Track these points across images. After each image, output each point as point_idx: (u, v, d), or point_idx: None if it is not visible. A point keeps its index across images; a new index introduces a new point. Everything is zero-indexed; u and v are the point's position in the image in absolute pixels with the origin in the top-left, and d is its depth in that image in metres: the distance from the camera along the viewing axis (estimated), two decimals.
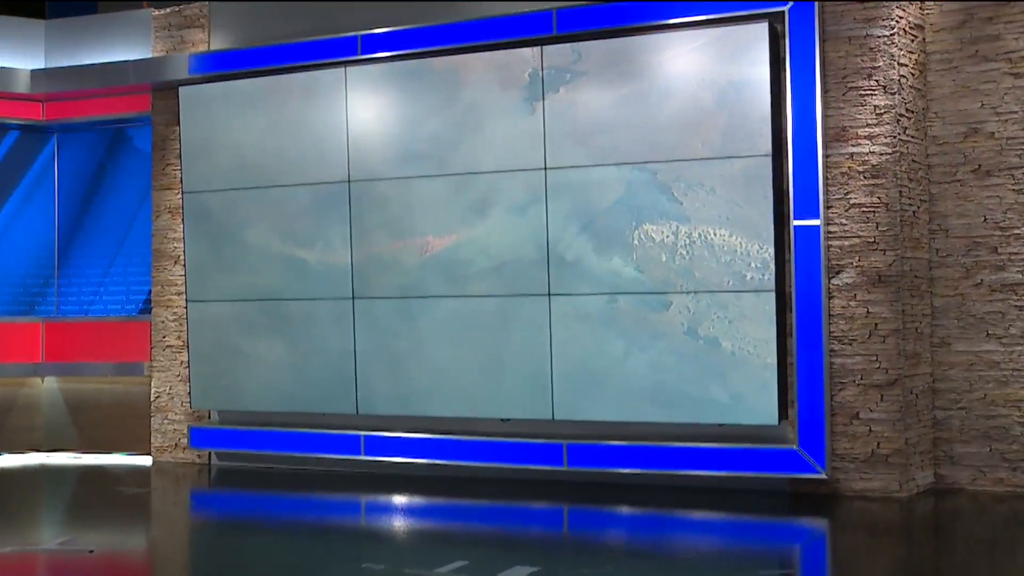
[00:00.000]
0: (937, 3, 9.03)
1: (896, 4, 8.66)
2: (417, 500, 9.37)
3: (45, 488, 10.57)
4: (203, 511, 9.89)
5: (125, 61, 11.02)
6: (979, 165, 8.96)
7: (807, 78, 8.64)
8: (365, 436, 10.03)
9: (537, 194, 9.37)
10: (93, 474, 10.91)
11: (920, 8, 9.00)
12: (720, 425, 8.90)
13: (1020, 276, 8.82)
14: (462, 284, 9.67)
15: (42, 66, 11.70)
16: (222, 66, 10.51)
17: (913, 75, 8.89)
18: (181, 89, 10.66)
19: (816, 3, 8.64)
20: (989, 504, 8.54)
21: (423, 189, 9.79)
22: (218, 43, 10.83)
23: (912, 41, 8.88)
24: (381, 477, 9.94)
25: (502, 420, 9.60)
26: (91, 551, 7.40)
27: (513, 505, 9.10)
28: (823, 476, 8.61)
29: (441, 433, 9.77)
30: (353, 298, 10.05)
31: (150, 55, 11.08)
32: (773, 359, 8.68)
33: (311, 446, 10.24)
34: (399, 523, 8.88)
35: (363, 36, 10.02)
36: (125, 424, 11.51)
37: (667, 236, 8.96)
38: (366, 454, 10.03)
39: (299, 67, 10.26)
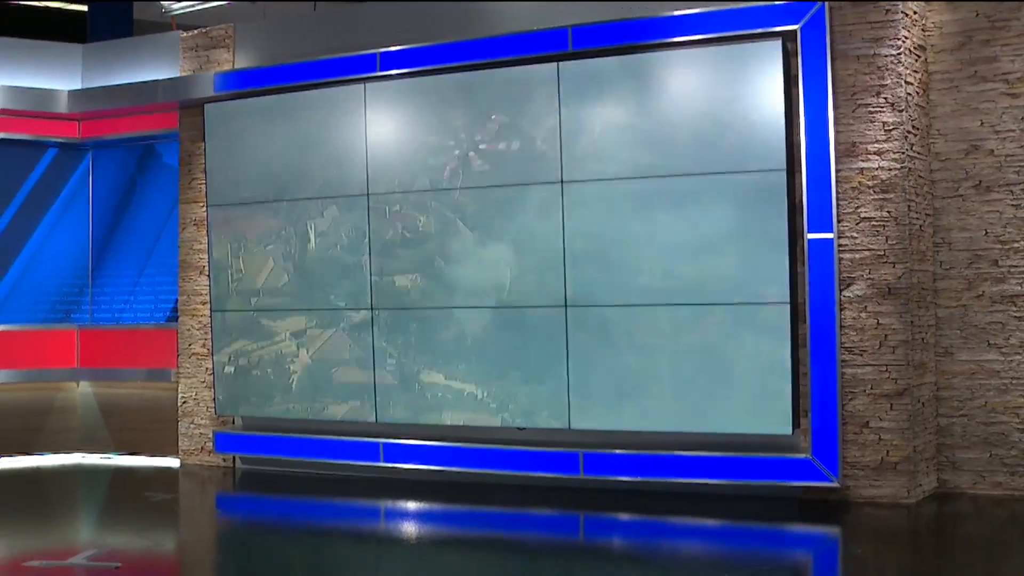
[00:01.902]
0: (937, 26, 7.98)
1: (902, 25, 7.60)
2: (435, 506, 8.27)
3: (79, 488, 9.45)
4: (229, 514, 8.79)
5: (155, 80, 9.87)
6: (980, 181, 7.89)
7: (820, 95, 7.53)
8: (384, 443, 8.86)
9: (554, 207, 8.25)
10: (124, 475, 9.78)
11: (922, 30, 7.94)
12: (734, 434, 7.80)
13: (1019, 288, 7.76)
14: (479, 296, 8.53)
15: (79, 87, 10.56)
16: (246, 84, 9.34)
17: (918, 93, 7.82)
18: (206, 106, 9.51)
19: (827, 22, 7.56)
20: (989, 507, 7.56)
21: (440, 202, 8.67)
22: (242, 62, 9.69)
23: (916, 60, 7.81)
24: (399, 483, 8.79)
25: (519, 428, 8.46)
26: (117, 566, 6.31)
27: (530, 512, 8.00)
28: (835, 484, 7.53)
29: (458, 441, 8.61)
30: (372, 309, 8.92)
31: (178, 74, 9.94)
32: (788, 370, 7.58)
33: (331, 452, 9.06)
34: (418, 529, 7.81)
35: (382, 53, 8.84)
36: (154, 428, 10.36)
37: (683, 249, 7.88)
38: (385, 461, 8.87)
39: (320, 84, 9.08)
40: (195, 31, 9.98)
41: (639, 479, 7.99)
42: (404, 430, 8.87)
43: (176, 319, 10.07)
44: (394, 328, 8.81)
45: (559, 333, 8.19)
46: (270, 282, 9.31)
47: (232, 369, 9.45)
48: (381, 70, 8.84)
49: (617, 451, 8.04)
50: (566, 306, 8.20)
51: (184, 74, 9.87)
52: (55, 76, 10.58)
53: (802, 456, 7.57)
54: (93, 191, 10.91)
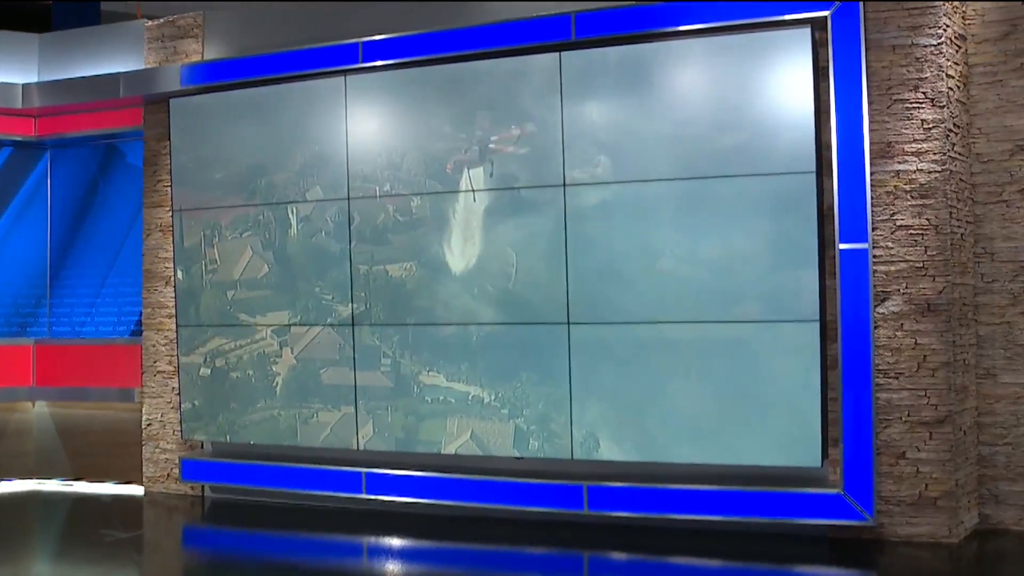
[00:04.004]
0: (979, 14, 7.31)
1: (943, 12, 6.92)
2: (422, 543, 7.55)
3: (32, 519, 8.67)
4: (194, 550, 8.06)
5: (116, 73, 9.10)
6: None
7: (852, 89, 6.84)
8: (367, 473, 8.12)
9: (556, 212, 7.54)
10: (83, 504, 9.01)
11: (962, 18, 7.27)
12: (755, 466, 7.10)
13: None
14: (472, 311, 7.82)
15: (35, 80, 9.81)
16: (215, 77, 8.60)
17: (959, 88, 7.15)
18: (171, 101, 8.77)
19: (860, 9, 6.89)
20: None
21: (428, 207, 7.96)
22: (212, 53, 8.93)
23: (957, 52, 7.14)
24: (384, 516, 8.04)
25: (516, 458, 7.74)
26: None
27: (527, 551, 7.29)
28: (870, 523, 6.84)
29: (449, 471, 7.88)
30: (353, 325, 8.20)
31: (143, 67, 9.19)
32: (817, 395, 6.89)
33: (309, 482, 8.31)
34: (404, 569, 7.10)
35: (364, 43, 8.11)
36: (117, 452, 9.60)
37: (700, 260, 7.18)
38: (368, 492, 8.13)
39: (296, 76, 8.33)
40: (161, 20, 9.23)
41: (649, 515, 7.27)
42: (389, 458, 8.14)
43: (141, 333, 9.32)
44: (376, 345, 8.07)
45: (561, 354, 7.49)
46: (248, 274, 8.58)
47: (208, 371, 8.70)
48: (364, 61, 8.11)
49: (624, 484, 7.33)
50: (568, 323, 7.51)
51: (149, 66, 9.14)
52: (9, 69, 9.83)
53: (832, 491, 6.87)
54: (51, 193, 10.16)
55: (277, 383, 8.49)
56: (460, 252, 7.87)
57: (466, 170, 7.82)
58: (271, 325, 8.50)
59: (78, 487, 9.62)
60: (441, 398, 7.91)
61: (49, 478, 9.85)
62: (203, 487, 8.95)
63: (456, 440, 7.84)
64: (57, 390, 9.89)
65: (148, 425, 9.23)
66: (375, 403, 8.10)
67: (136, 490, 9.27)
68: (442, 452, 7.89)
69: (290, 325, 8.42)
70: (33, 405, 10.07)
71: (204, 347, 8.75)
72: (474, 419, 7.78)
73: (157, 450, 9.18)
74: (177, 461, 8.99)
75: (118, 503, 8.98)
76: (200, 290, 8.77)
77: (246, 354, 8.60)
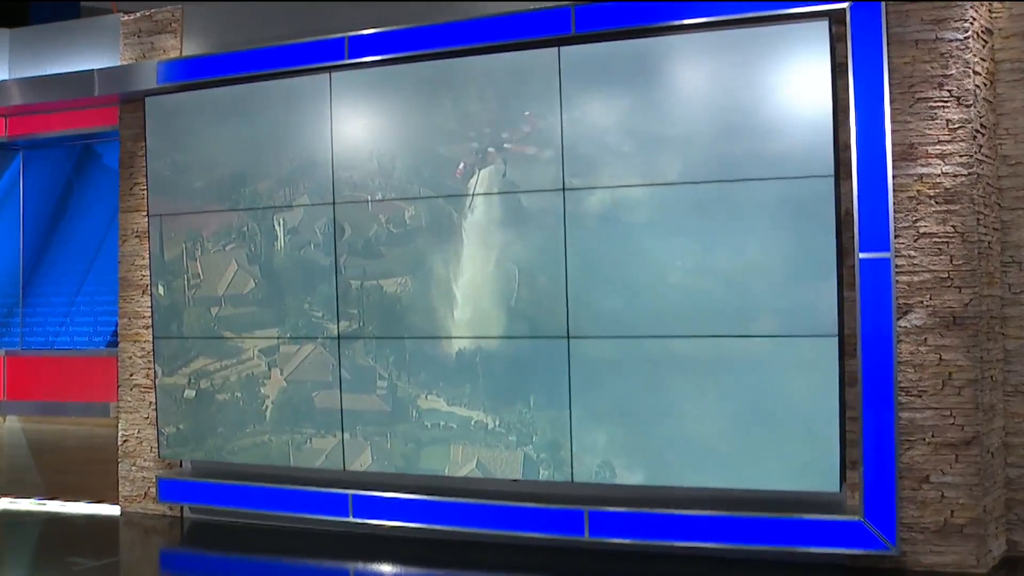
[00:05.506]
0: (1006, 7, 6.91)
1: (969, 5, 6.53)
2: (412, 570, 7.18)
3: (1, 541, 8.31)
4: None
5: (90, 70, 8.70)
6: None
7: (873, 87, 6.44)
8: (353, 495, 7.69)
9: (555, 219, 7.13)
10: (55, 524, 8.61)
11: (989, 11, 6.87)
12: (768, 491, 6.70)
13: None
14: (465, 324, 7.42)
15: (6, 77, 9.40)
16: (194, 74, 8.19)
17: (985, 86, 6.76)
18: (147, 99, 8.36)
19: (882, 1, 6.50)
20: None
21: (418, 212, 7.56)
22: (191, 49, 8.52)
23: (983, 47, 6.75)
24: (372, 540, 7.63)
25: (513, 481, 7.32)
26: None
27: None
28: (892, 552, 6.44)
29: (441, 494, 7.46)
30: (339, 338, 7.78)
31: (119, 63, 8.79)
32: (835, 415, 6.48)
33: (293, 505, 7.89)
34: None
35: (350, 38, 7.69)
36: (92, 470, 9.20)
37: (709, 270, 6.78)
38: (355, 516, 7.70)
39: (278, 74, 7.92)
40: (137, 14, 8.82)
41: (654, 542, 6.87)
42: (376, 479, 7.74)
43: (117, 344, 8.91)
44: (364, 360, 7.66)
45: (561, 370, 7.09)
46: (233, 289, 8.16)
47: (193, 393, 8.29)
48: (350, 57, 7.70)
49: (628, 509, 6.92)
50: (568, 338, 7.10)
51: (125, 63, 8.74)
52: None
53: (851, 518, 6.46)
54: (24, 197, 9.77)
55: (267, 406, 8.07)
56: (457, 264, 7.46)
57: (477, 172, 7.39)
58: (259, 343, 8.08)
59: (51, 506, 9.22)
60: (442, 423, 7.50)
61: (20, 497, 9.45)
62: (182, 507, 8.54)
63: (461, 470, 7.42)
64: (29, 404, 9.49)
65: (124, 441, 8.82)
66: (372, 428, 7.67)
67: (112, 510, 8.86)
68: (427, 474, 7.49)
69: (279, 344, 8.00)
70: (4, 420, 9.70)
71: (188, 368, 8.34)
72: (479, 447, 7.36)
73: (134, 468, 8.77)
74: (154, 480, 8.58)
75: (92, 524, 8.58)
76: (183, 306, 8.35)
77: (233, 375, 8.19)
